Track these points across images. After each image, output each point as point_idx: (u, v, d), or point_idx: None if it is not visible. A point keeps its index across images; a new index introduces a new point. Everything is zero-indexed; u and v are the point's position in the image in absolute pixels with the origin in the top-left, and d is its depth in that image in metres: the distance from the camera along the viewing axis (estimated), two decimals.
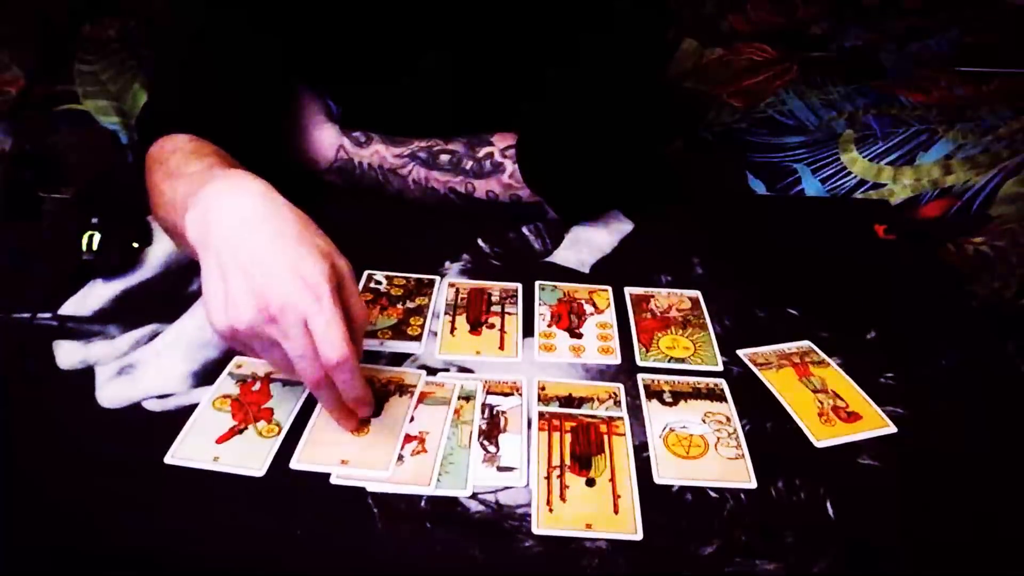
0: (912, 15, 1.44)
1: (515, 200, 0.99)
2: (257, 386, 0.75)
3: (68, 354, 0.77)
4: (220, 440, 0.69)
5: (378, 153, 1.00)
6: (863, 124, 1.37)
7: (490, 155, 0.98)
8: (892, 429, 0.73)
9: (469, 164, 0.99)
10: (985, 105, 1.34)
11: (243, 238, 0.63)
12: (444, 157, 0.98)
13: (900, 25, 1.43)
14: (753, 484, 0.67)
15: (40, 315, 0.82)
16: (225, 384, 0.75)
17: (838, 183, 1.35)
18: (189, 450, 0.68)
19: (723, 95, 1.45)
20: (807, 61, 1.43)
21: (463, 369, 0.79)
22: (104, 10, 1.38)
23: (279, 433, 0.70)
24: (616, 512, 0.64)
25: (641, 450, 0.70)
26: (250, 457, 0.67)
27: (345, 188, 1.02)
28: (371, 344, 0.80)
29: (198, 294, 0.86)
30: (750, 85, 1.44)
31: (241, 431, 0.70)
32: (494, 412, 0.73)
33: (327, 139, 1.00)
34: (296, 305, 0.61)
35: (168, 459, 0.67)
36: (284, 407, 0.73)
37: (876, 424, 0.73)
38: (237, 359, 0.78)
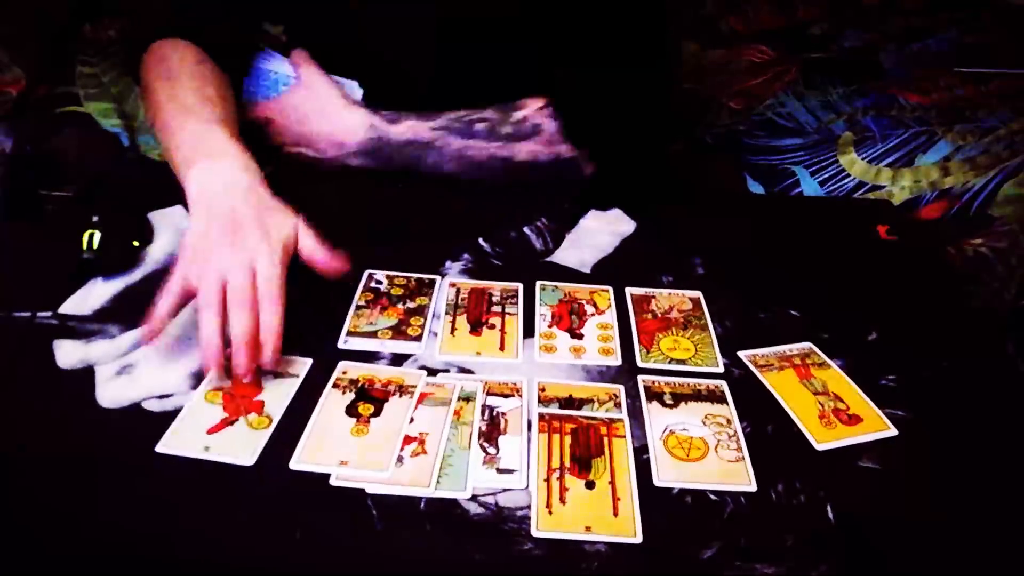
0: (912, 15, 1.44)
1: (555, 158, 1.01)
2: (248, 378, 0.75)
3: (68, 353, 0.77)
4: (211, 431, 0.69)
5: (411, 128, 1.00)
6: (862, 126, 1.37)
7: (525, 118, 1.01)
8: (893, 432, 0.73)
9: (506, 129, 1.01)
10: (984, 106, 1.34)
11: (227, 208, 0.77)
12: (480, 125, 1.00)
13: (900, 25, 1.43)
14: (753, 487, 0.67)
15: (40, 314, 0.81)
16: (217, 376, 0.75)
17: (836, 185, 1.35)
18: (180, 440, 0.68)
19: (722, 97, 1.45)
20: (806, 62, 1.43)
21: (463, 370, 0.79)
22: (105, 10, 1.38)
23: (270, 425, 0.70)
24: (616, 515, 0.64)
25: (641, 452, 0.70)
26: (240, 448, 0.68)
27: (377, 169, 1.03)
28: (371, 344, 0.80)
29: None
30: (749, 87, 1.44)
31: (232, 423, 0.70)
32: (494, 413, 0.73)
33: (356, 119, 0.99)
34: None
35: (159, 448, 0.67)
36: (275, 399, 0.73)
37: (877, 427, 0.73)
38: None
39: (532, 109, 1.02)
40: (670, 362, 0.81)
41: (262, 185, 0.82)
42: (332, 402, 0.73)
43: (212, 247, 0.74)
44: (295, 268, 0.78)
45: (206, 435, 0.69)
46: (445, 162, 1.02)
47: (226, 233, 0.75)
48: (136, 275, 0.88)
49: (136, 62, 1.01)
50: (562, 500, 0.65)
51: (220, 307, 0.71)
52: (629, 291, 0.91)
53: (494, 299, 0.88)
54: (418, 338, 0.82)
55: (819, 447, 0.71)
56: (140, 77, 1.00)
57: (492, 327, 0.84)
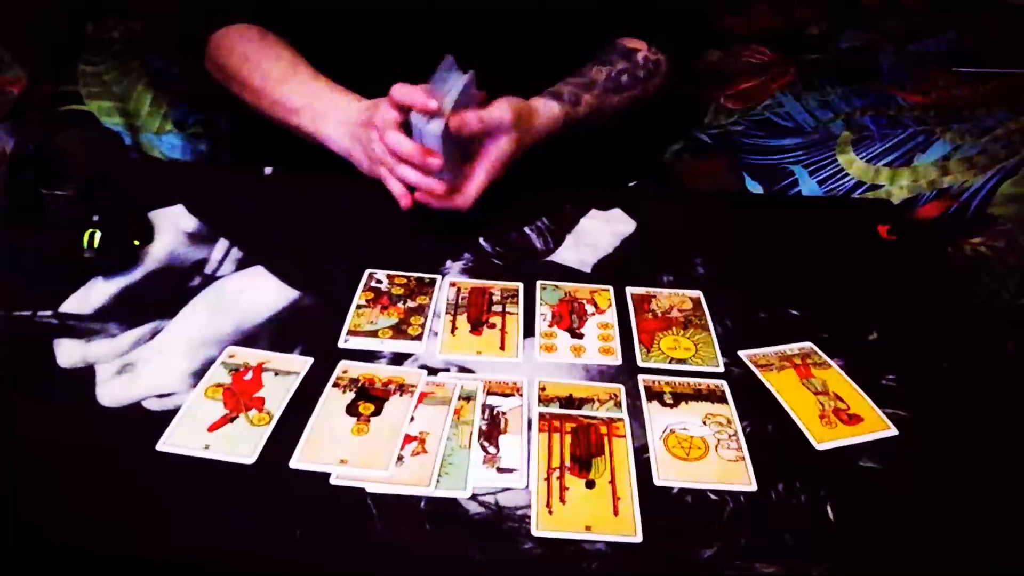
0: (911, 15, 1.44)
1: (669, 82, 1.18)
2: (249, 375, 0.75)
3: (68, 352, 0.77)
4: (212, 428, 0.70)
5: (586, 102, 1.07)
6: (860, 125, 1.36)
7: (647, 58, 1.13)
8: (893, 432, 0.73)
9: (641, 73, 1.13)
10: (983, 106, 1.34)
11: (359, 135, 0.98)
12: (624, 78, 1.11)
13: (898, 25, 1.43)
14: (753, 486, 0.67)
15: (41, 313, 0.81)
16: (217, 373, 0.76)
17: (835, 185, 1.35)
18: (180, 437, 0.68)
19: (720, 98, 1.45)
20: (805, 63, 1.43)
21: (463, 369, 0.79)
22: (108, 9, 1.37)
23: (270, 422, 0.70)
24: (616, 514, 0.64)
25: (641, 452, 0.70)
26: (241, 445, 0.68)
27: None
28: (372, 343, 0.80)
29: (198, 290, 0.87)
30: (747, 87, 1.44)
31: (233, 419, 0.70)
32: (494, 413, 0.73)
33: (553, 110, 1.03)
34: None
35: (160, 446, 0.68)
36: (276, 396, 0.73)
37: (877, 427, 0.73)
38: (230, 349, 0.79)
39: (644, 49, 1.14)
40: (670, 362, 0.81)
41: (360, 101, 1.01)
42: (332, 401, 0.73)
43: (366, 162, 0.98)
44: (298, 271, 0.78)
45: (207, 432, 0.69)
46: (605, 119, 1.11)
47: (364, 151, 0.97)
48: (136, 274, 0.88)
49: (198, 55, 1.15)
50: (562, 500, 0.65)
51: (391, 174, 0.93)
52: (629, 291, 0.91)
53: (494, 298, 0.88)
54: (418, 337, 0.82)
55: (819, 447, 0.71)
56: (215, 67, 1.13)
57: (492, 326, 0.84)
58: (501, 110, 0.92)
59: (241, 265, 0.90)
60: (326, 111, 1.01)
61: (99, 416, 0.71)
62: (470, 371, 0.78)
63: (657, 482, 0.67)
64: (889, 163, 1.33)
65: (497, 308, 0.87)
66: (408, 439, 0.69)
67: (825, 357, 0.82)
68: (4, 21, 1.33)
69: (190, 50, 1.16)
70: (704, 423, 0.73)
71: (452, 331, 0.83)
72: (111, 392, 0.73)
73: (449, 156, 0.90)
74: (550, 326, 0.85)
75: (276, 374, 0.76)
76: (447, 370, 0.78)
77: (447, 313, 0.85)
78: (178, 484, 0.65)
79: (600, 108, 1.08)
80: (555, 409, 0.74)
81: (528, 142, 0.99)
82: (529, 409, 0.74)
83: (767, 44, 1.46)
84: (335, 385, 0.75)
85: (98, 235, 0.85)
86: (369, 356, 0.79)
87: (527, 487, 0.66)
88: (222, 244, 0.93)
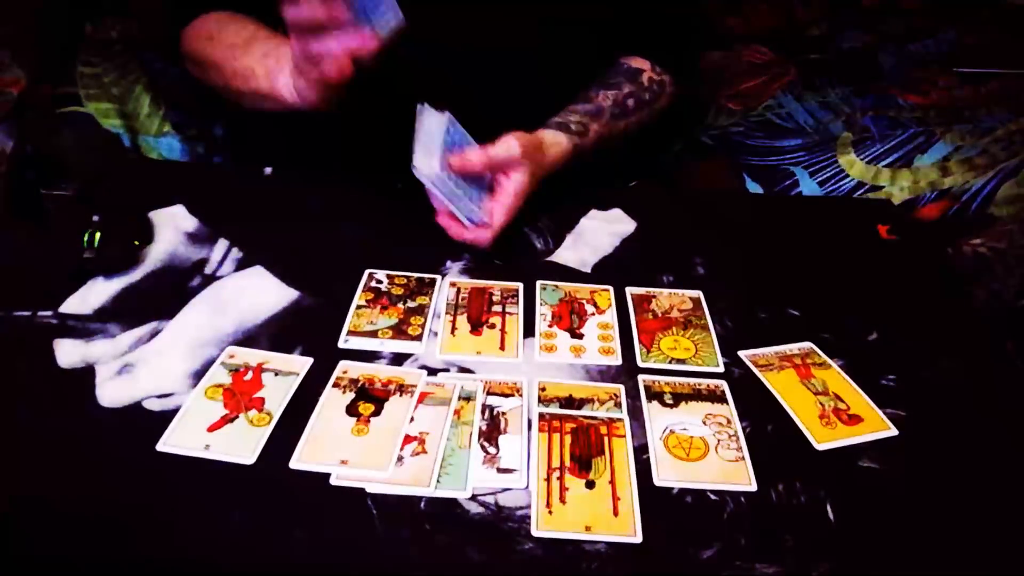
0: (910, 15, 1.44)
1: (671, 102, 1.18)
2: (249, 375, 0.75)
3: (68, 353, 0.77)
4: (211, 428, 0.69)
5: (594, 131, 1.07)
6: (861, 126, 1.36)
7: (651, 80, 1.14)
8: (893, 432, 0.73)
9: (647, 95, 1.13)
10: (983, 106, 1.34)
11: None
12: (630, 102, 1.11)
13: (898, 25, 1.43)
14: (753, 487, 0.67)
15: (40, 313, 0.81)
16: (217, 373, 0.76)
17: (835, 186, 1.35)
18: (180, 438, 0.68)
19: (721, 98, 1.45)
20: (805, 63, 1.43)
21: (463, 369, 0.79)
22: (107, 10, 1.37)
23: (270, 422, 0.70)
24: (616, 514, 0.64)
25: (641, 452, 0.70)
26: (241, 445, 0.68)
27: None
28: (372, 344, 0.80)
29: (198, 290, 0.86)
30: (748, 88, 1.44)
31: (232, 420, 0.70)
32: (494, 413, 0.73)
33: (561, 142, 1.03)
34: None
35: (160, 447, 0.67)
36: (276, 396, 0.73)
37: (877, 427, 0.73)
38: (230, 349, 0.79)
39: (648, 69, 1.14)
40: (670, 362, 0.81)
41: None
42: (332, 401, 0.73)
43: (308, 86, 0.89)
44: (298, 271, 0.78)
45: (207, 433, 0.69)
46: (617, 143, 1.12)
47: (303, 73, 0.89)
48: (136, 274, 0.88)
49: (175, 48, 1.12)
50: (562, 500, 0.65)
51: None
52: (629, 291, 0.91)
53: (494, 299, 0.88)
54: (418, 337, 0.82)
55: (819, 447, 0.71)
56: (189, 59, 1.11)
57: (492, 327, 0.84)
58: (508, 144, 0.92)
59: (241, 265, 0.90)
60: (277, 62, 0.95)
61: (99, 416, 0.71)
62: (470, 371, 0.78)
63: (657, 482, 0.67)
64: (889, 164, 1.33)
65: (497, 308, 0.87)
66: (408, 439, 0.69)
67: (825, 357, 0.82)
68: (4, 21, 1.33)
69: (169, 49, 1.15)
70: (704, 423, 0.73)
71: (452, 331, 0.83)
72: (111, 392, 0.73)
73: (463, 195, 0.90)
74: (550, 326, 0.85)
75: (276, 374, 0.76)
76: (447, 370, 0.78)
77: (447, 313, 0.85)
78: (178, 484, 0.65)
79: (607, 135, 1.08)
80: (555, 409, 0.74)
81: (540, 175, 0.98)
82: (529, 409, 0.74)
83: (767, 44, 1.46)
84: (335, 385, 0.75)
85: (98, 235, 0.85)
86: (369, 356, 0.79)
87: (527, 487, 0.66)
88: (222, 244, 0.93)
